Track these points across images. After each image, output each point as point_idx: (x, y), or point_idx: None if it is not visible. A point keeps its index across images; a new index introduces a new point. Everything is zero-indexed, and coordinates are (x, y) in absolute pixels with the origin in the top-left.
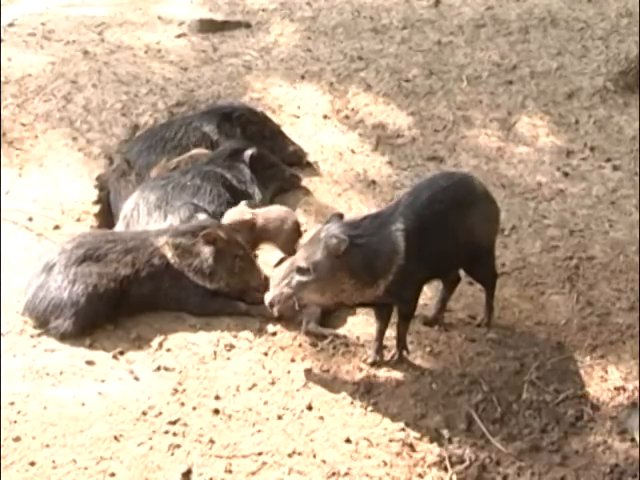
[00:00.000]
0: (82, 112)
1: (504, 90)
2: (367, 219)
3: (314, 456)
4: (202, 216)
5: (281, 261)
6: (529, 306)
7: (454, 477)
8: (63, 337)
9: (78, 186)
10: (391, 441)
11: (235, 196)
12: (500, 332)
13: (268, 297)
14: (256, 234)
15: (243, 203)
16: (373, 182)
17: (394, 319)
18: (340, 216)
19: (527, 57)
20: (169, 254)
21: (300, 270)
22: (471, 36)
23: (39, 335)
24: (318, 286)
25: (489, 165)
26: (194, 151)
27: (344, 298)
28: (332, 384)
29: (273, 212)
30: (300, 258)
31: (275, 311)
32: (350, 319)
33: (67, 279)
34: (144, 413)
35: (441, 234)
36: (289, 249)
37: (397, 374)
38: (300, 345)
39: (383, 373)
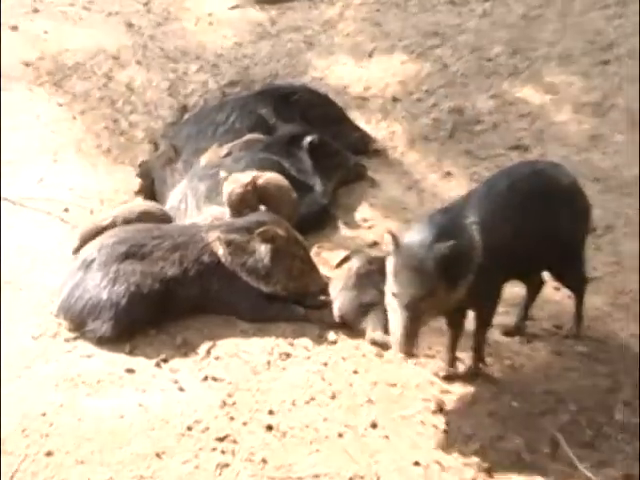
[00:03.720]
0: (125, 91)
1: (599, 71)
2: (438, 215)
3: None
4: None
5: (344, 260)
6: (624, 316)
7: None
8: (101, 342)
9: (119, 174)
10: (465, 465)
11: (294, 187)
12: (590, 345)
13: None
14: (258, 196)
15: (223, 173)
16: (448, 174)
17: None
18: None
19: (624, 34)
20: (220, 252)
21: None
22: (562, 9)
23: (74, 339)
24: (431, 304)
25: (580, 155)
26: (248, 136)
27: (439, 311)
28: (400, 398)
29: (268, 174)
30: (394, 286)
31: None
32: None
33: (107, 277)
34: (189, 428)
35: (521, 228)
36: (289, 213)
37: (472, 390)
38: (364, 355)
39: (457, 388)
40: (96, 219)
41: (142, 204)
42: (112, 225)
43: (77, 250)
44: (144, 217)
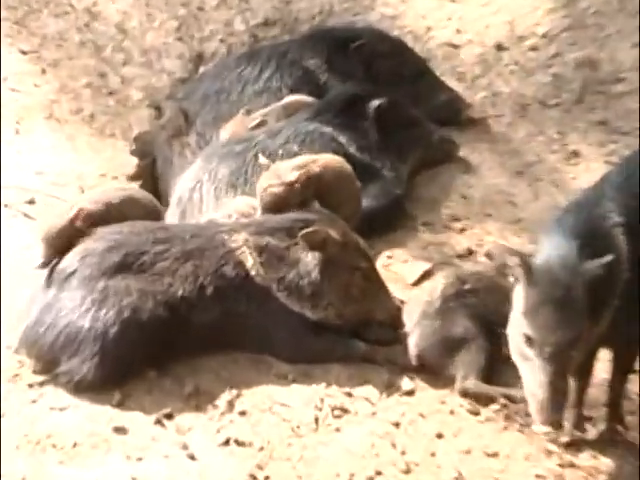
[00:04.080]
0: (115, 34)
1: None
2: (571, 217)
3: None
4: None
5: (424, 276)
6: None
7: None
8: (80, 388)
9: (106, 151)
10: None
11: (354, 170)
12: None
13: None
14: (313, 190)
15: (263, 159)
16: (574, 153)
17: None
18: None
19: None
20: (249, 262)
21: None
22: None
23: (42, 384)
24: (580, 350)
25: None
26: (289, 99)
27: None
28: (504, 474)
29: (324, 156)
30: (529, 329)
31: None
32: None
33: (91, 297)
34: None
35: None
36: (350, 210)
37: (607, 462)
38: (452, 412)
39: (585, 460)
40: (61, 210)
41: (123, 188)
42: (88, 217)
43: (47, 262)
44: (128, 206)
